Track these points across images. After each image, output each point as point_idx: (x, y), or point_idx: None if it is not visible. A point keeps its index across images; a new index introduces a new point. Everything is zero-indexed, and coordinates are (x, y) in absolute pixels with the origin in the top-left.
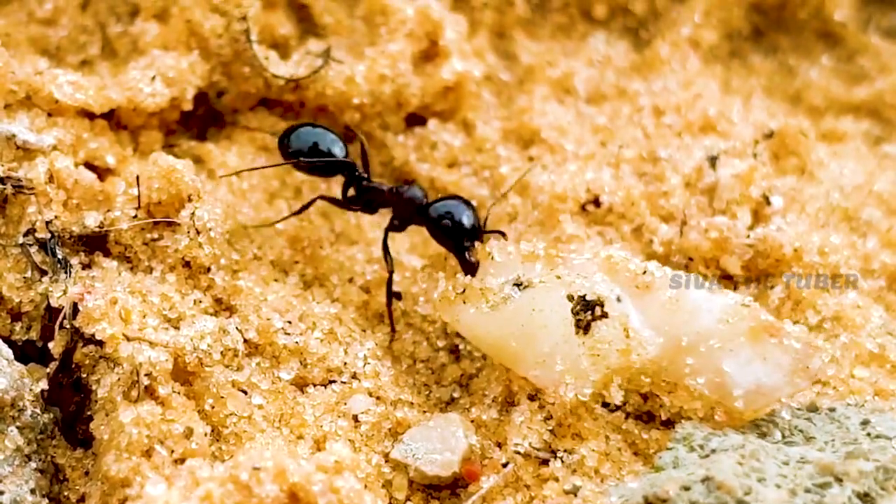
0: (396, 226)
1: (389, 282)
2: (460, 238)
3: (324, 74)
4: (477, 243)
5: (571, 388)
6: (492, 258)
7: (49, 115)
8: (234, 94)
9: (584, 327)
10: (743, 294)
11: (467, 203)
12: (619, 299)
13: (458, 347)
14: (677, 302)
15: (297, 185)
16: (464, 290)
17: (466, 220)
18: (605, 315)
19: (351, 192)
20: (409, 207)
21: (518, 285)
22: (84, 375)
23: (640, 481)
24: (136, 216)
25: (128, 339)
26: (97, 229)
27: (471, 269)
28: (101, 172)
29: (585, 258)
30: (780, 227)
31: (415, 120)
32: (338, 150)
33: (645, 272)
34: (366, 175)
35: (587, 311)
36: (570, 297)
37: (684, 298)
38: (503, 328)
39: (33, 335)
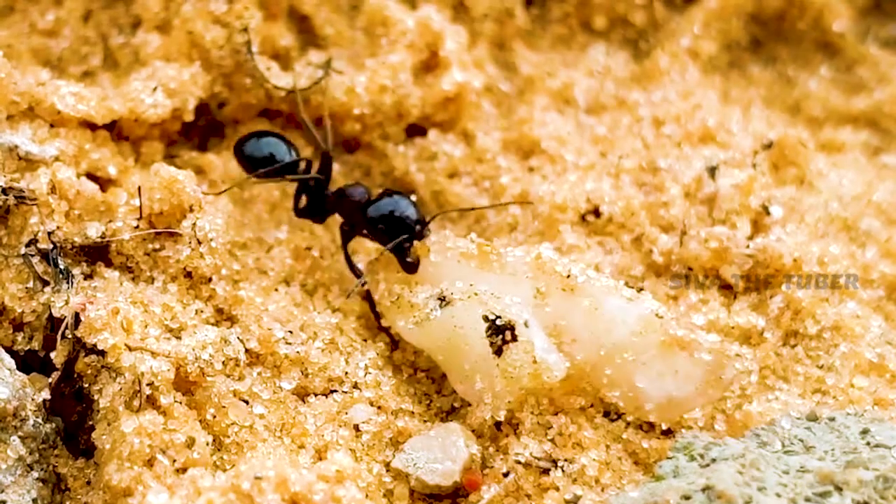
0: (348, 231)
1: (368, 294)
2: (397, 238)
3: (324, 85)
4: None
5: (488, 409)
6: (429, 257)
7: (51, 126)
8: (235, 105)
9: (496, 351)
10: (744, 302)
11: (405, 200)
12: (526, 324)
13: None
14: (596, 311)
15: None
16: (397, 298)
17: (403, 219)
18: (514, 339)
19: (304, 200)
20: (351, 208)
21: (441, 300)
22: (86, 385)
23: (640, 490)
24: (137, 227)
25: (130, 348)
26: (99, 240)
27: (410, 268)
28: (103, 183)
29: (518, 255)
30: (779, 237)
31: (415, 130)
32: (290, 159)
33: (569, 276)
34: (314, 182)
35: (498, 335)
36: (486, 318)
37: (602, 307)
38: (432, 341)
39: (35, 345)
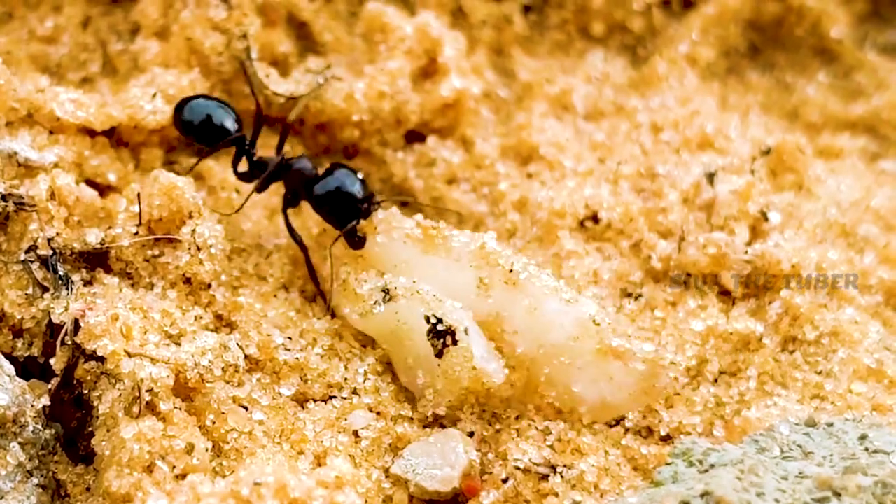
0: (290, 200)
1: (307, 260)
2: (345, 218)
3: (323, 92)
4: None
5: (431, 406)
6: (375, 238)
7: (50, 132)
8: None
9: (437, 353)
10: (743, 308)
11: (352, 177)
12: (466, 331)
13: None
14: (535, 311)
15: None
16: (343, 283)
17: (351, 198)
18: (455, 343)
19: (242, 167)
20: (297, 180)
21: (385, 292)
22: (85, 391)
23: (639, 496)
24: (137, 233)
25: (129, 355)
26: (98, 246)
27: (356, 245)
28: (103, 189)
29: (464, 240)
30: (777, 242)
31: (414, 136)
32: (229, 124)
33: (512, 270)
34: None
35: (439, 339)
36: (427, 319)
37: (541, 308)
38: (377, 331)
39: (35, 351)
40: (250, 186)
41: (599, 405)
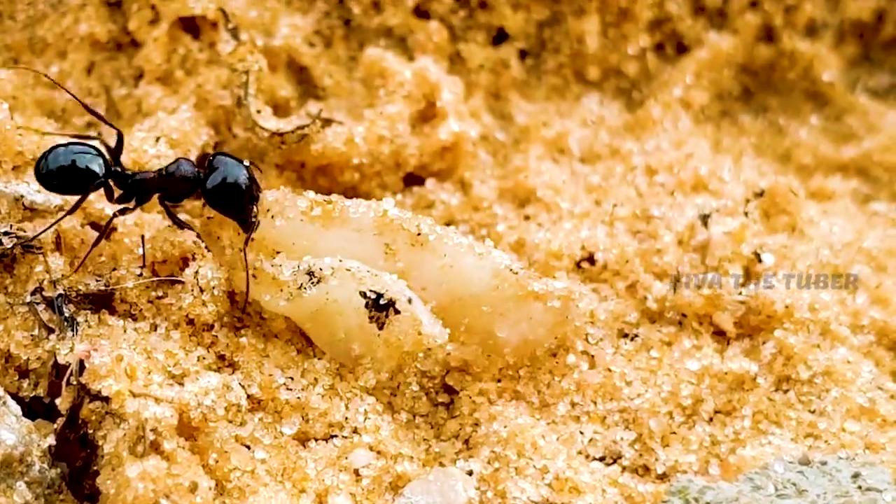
0: (171, 203)
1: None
2: (241, 207)
3: (323, 135)
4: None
5: (370, 373)
6: (274, 223)
7: None
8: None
9: (379, 325)
10: (737, 348)
11: (238, 165)
12: (409, 301)
13: (454, 401)
14: (451, 268)
15: None
16: (255, 272)
17: (241, 186)
18: (398, 313)
19: (118, 193)
20: (185, 186)
21: (310, 274)
22: (91, 431)
23: None
24: (141, 275)
25: (133, 395)
26: (103, 288)
27: (250, 228)
28: (107, 232)
29: (362, 210)
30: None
31: (413, 179)
32: (96, 167)
33: (420, 233)
34: (121, 169)
35: (382, 311)
36: (363, 294)
37: (458, 264)
38: (298, 312)
39: (41, 392)
40: None
41: (521, 344)
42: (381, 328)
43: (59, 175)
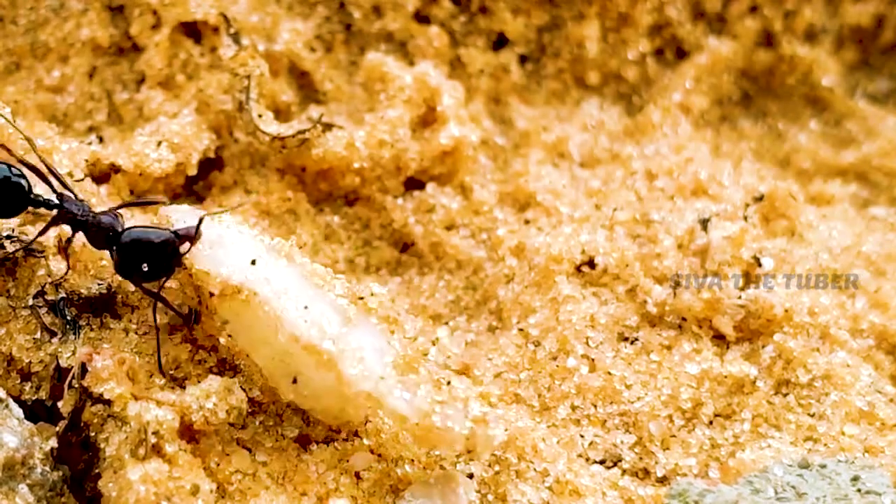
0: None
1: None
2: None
3: (324, 140)
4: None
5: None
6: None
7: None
8: (237, 160)
9: None
10: (737, 352)
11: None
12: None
13: None
14: None
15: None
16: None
17: (159, 265)
18: None
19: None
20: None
21: None
22: (92, 434)
23: None
24: None
25: (135, 398)
26: (105, 291)
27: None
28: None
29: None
30: (770, 287)
31: (413, 184)
32: (25, 184)
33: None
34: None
35: None
36: None
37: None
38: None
39: (43, 395)
40: None
41: None
42: None
43: None
